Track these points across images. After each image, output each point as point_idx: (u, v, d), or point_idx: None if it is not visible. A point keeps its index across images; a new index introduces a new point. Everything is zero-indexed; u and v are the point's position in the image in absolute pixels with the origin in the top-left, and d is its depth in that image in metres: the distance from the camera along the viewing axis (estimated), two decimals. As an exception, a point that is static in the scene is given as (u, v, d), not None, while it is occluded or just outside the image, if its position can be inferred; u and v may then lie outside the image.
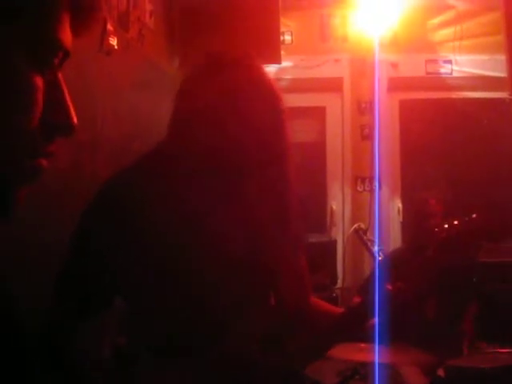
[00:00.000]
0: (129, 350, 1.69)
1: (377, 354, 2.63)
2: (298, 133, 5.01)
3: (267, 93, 1.58)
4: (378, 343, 2.65)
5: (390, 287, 1.61)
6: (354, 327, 1.68)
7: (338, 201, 4.91)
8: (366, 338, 1.77)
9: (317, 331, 1.69)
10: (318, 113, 4.99)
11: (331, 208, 4.91)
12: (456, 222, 1.55)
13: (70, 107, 0.78)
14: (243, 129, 1.51)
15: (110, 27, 2.47)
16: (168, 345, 1.55)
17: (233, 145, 1.52)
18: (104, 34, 2.45)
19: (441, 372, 2.99)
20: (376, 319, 1.67)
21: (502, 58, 4.43)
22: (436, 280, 3.48)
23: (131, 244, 1.52)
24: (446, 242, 1.58)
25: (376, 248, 3.40)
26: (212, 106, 1.50)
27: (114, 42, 2.54)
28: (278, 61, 4.27)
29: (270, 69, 4.61)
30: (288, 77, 4.76)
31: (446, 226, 1.56)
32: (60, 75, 0.77)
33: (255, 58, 1.61)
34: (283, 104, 1.60)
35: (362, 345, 2.70)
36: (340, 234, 4.87)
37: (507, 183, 4.96)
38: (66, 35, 0.76)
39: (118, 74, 2.78)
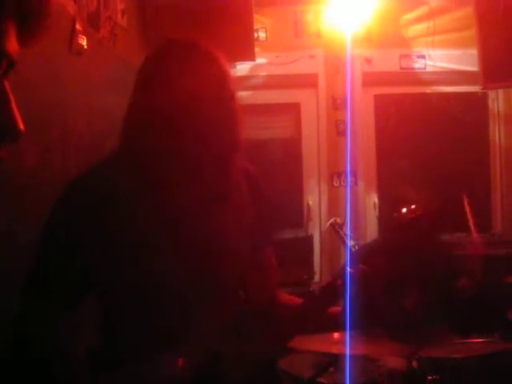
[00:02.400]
0: (103, 349, 1.68)
1: (348, 345, 2.66)
2: (274, 129, 5.04)
3: (220, 78, 1.58)
4: (352, 334, 2.69)
5: (351, 270, 1.64)
6: (317, 312, 1.69)
7: (315, 196, 4.93)
8: (331, 325, 1.79)
9: (282, 321, 1.71)
10: (294, 109, 5.00)
11: (307, 203, 4.93)
12: (413, 206, 1.59)
13: (16, 113, 0.79)
14: (197, 119, 1.53)
15: (78, 27, 2.48)
16: (140, 340, 1.56)
17: (189, 135, 1.54)
18: (73, 34, 2.46)
19: (415, 363, 3.03)
20: (345, 307, 1.69)
21: (474, 52, 4.47)
22: (410, 269, 3.53)
23: (102, 238, 1.52)
24: (403, 224, 1.62)
25: (348, 242, 3.43)
26: (169, 101, 1.52)
27: (83, 41, 2.54)
28: (252, 58, 4.29)
29: (245, 66, 4.65)
30: (263, 73, 4.79)
31: (405, 210, 1.59)
32: (6, 83, 0.78)
33: (211, 47, 1.62)
34: (236, 95, 1.61)
35: (336, 335, 2.73)
36: (317, 228, 4.90)
37: (481, 174, 5.03)
38: (11, 44, 0.77)
39: (89, 73, 2.79)
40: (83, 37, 2.56)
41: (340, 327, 1.78)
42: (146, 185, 1.54)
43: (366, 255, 1.69)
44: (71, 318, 1.58)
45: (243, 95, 4.85)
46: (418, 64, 4.88)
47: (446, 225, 1.64)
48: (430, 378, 2.87)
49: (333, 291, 1.68)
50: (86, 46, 2.57)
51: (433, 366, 2.94)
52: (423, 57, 4.86)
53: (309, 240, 4.74)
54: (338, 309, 1.71)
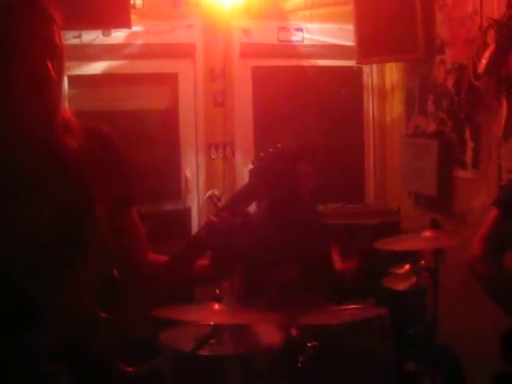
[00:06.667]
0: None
1: (229, 315, 2.66)
2: (150, 99, 4.94)
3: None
4: (233, 304, 2.69)
5: (214, 219, 1.64)
6: (184, 265, 1.67)
7: (192, 168, 4.88)
8: (200, 278, 1.77)
9: (152, 279, 1.68)
10: (171, 79, 4.89)
11: (185, 175, 4.88)
12: (271, 150, 1.64)
13: None
14: None
15: None
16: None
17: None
18: None
19: (294, 331, 3.08)
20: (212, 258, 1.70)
21: (350, 27, 4.58)
22: (288, 240, 3.58)
23: None
24: (260, 168, 1.65)
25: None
26: None
27: None
28: (127, 25, 4.17)
29: (120, 33, 4.51)
30: (139, 42, 4.66)
31: (262, 154, 1.65)
32: None
33: None
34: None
35: (216, 306, 2.72)
36: (195, 201, 4.87)
37: (355, 146, 5.19)
38: None
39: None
40: None
41: (209, 279, 1.77)
42: None
43: (231, 203, 1.69)
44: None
45: (118, 64, 4.74)
46: (296, 37, 4.93)
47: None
48: (309, 344, 2.94)
49: (197, 242, 1.67)
50: None
51: (311, 333, 3.01)
52: (301, 30, 4.91)
53: (187, 212, 4.71)
54: (205, 261, 1.71)
